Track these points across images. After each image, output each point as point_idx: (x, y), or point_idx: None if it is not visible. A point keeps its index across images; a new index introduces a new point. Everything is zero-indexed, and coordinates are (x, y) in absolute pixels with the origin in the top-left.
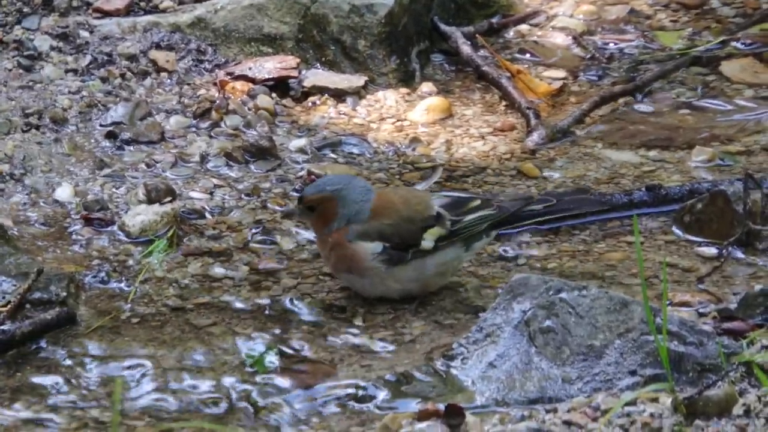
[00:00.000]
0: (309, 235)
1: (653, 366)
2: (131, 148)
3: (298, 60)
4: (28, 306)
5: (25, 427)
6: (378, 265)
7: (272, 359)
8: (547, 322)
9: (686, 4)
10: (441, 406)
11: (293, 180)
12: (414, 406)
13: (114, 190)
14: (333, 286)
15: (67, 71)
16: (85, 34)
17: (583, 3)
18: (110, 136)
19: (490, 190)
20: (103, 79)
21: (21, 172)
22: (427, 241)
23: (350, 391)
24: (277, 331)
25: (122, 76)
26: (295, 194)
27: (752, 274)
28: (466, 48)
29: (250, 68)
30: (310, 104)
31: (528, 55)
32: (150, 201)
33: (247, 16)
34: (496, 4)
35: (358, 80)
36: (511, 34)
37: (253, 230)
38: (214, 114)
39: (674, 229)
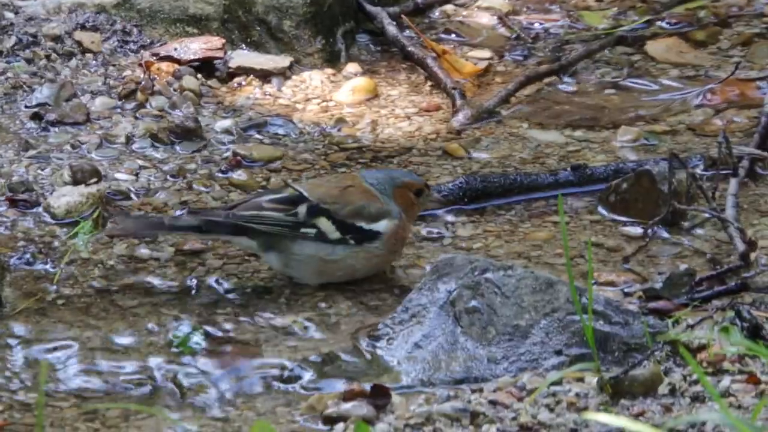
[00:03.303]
0: None
1: (579, 346)
2: (56, 129)
3: (223, 41)
4: None
5: None
6: None
7: (198, 340)
8: (473, 302)
9: None
10: (367, 387)
11: (219, 161)
12: (340, 386)
13: (39, 171)
14: (258, 267)
15: None
16: (9, 15)
17: None
18: (35, 117)
19: (415, 170)
20: (28, 60)
21: None
22: None
23: (276, 371)
24: (203, 312)
25: (47, 57)
26: (220, 175)
27: (677, 254)
28: (391, 28)
29: (175, 49)
30: (235, 85)
31: (453, 36)
32: (75, 182)
33: None
34: None
35: (283, 61)
36: (436, 14)
37: (179, 211)
38: (139, 95)
39: (599, 208)
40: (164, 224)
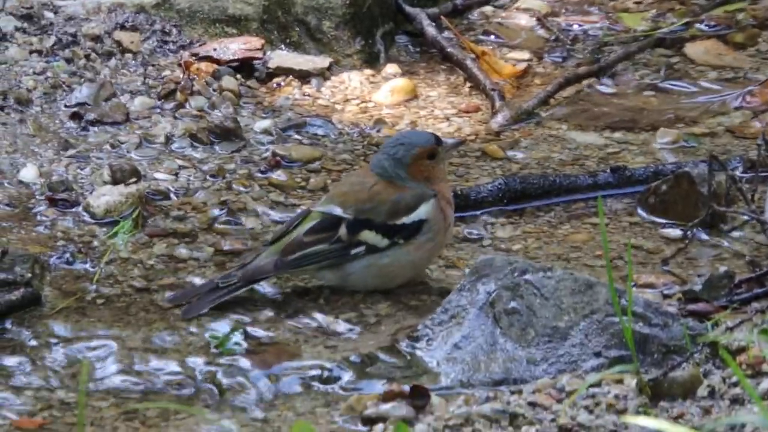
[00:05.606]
0: (274, 215)
1: (618, 347)
2: (96, 128)
3: (262, 41)
4: None
5: None
6: None
7: (237, 340)
8: (512, 304)
9: None
10: (406, 388)
11: (258, 161)
12: (379, 387)
13: (79, 170)
14: None
15: (31, 52)
16: (49, 14)
17: None
18: (75, 116)
19: (455, 171)
20: (68, 60)
21: None
22: None
23: (315, 372)
24: (242, 313)
25: (87, 56)
26: (260, 175)
27: (717, 256)
28: (430, 29)
29: (214, 49)
30: (274, 85)
31: (492, 37)
32: (115, 182)
33: None
34: None
35: (322, 61)
36: (475, 15)
37: (218, 211)
38: (178, 95)
39: (639, 210)
40: (222, 291)
